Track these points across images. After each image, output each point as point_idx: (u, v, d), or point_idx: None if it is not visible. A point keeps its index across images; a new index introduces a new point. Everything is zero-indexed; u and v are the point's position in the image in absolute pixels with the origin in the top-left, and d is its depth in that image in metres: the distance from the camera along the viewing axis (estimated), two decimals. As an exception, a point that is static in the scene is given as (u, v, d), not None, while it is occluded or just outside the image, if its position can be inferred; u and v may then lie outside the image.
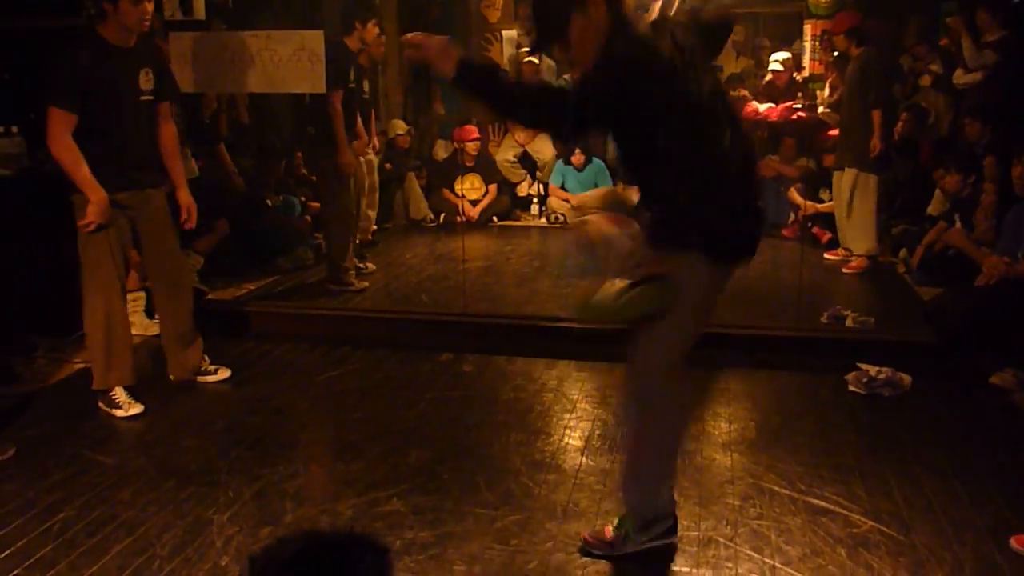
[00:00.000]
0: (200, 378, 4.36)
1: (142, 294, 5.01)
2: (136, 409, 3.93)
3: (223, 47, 5.14)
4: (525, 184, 8.31)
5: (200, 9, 5.24)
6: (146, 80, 3.89)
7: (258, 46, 5.08)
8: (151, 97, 3.94)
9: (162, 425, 3.86)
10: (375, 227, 6.96)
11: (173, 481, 3.30)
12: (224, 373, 4.41)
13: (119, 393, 3.94)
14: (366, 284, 5.77)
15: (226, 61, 5.11)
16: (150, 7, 3.75)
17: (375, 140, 6.63)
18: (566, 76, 8.30)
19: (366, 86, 6.10)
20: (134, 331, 4.92)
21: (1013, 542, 2.81)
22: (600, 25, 2.46)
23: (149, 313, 5.03)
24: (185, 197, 4.11)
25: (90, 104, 3.69)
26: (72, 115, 3.64)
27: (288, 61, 5.05)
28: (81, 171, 3.67)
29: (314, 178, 6.81)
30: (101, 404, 3.95)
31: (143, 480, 3.32)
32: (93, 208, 3.71)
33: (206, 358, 4.40)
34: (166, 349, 4.32)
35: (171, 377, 4.33)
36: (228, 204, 6.06)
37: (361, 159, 5.95)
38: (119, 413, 3.91)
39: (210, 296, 5.44)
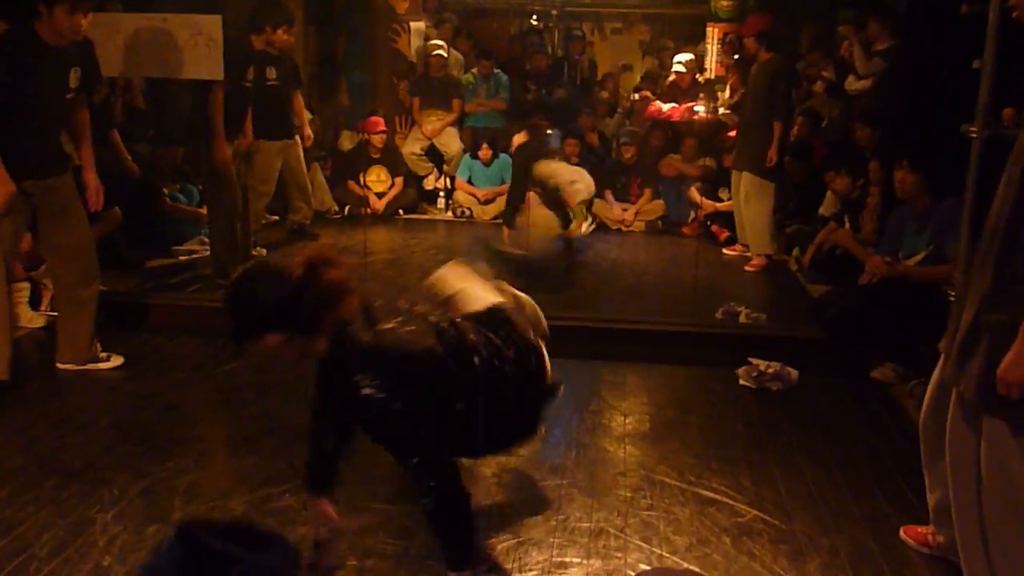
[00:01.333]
0: (91, 365, 4.22)
1: (27, 285, 4.80)
2: None
3: (116, 29, 4.96)
4: (432, 177, 8.28)
5: (92, -11, 5.05)
6: (75, 79, 3.93)
7: (153, 29, 4.92)
8: (75, 94, 3.98)
9: (45, 421, 3.71)
10: (307, 221, 6.88)
11: (55, 479, 3.18)
12: (117, 360, 4.30)
13: None
14: None
15: (119, 44, 4.93)
16: (85, 21, 3.77)
17: (306, 129, 6.57)
18: (474, 70, 8.35)
19: (271, 73, 5.99)
20: (18, 323, 4.75)
21: (902, 532, 2.92)
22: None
23: (33, 304, 4.83)
24: (92, 178, 4.13)
25: (15, 98, 3.67)
26: None
27: (185, 45, 4.91)
28: None
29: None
30: None
31: (22, 478, 3.19)
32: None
33: (97, 344, 4.27)
34: (61, 335, 4.17)
35: (59, 365, 4.18)
36: (121, 192, 5.85)
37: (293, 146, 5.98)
38: None
39: (102, 287, 5.25)
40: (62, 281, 4.20)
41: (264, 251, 6.24)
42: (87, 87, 4.10)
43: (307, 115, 6.97)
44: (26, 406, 3.85)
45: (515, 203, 6.45)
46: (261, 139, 6.02)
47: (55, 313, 4.64)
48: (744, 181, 6.38)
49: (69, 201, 4.04)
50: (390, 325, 2.45)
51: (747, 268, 6.39)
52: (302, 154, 6.64)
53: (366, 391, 2.32)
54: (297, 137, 6.57)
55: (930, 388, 2.68)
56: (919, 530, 2.89)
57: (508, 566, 2.73)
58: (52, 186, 3.95)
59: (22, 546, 2.75)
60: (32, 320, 4.78)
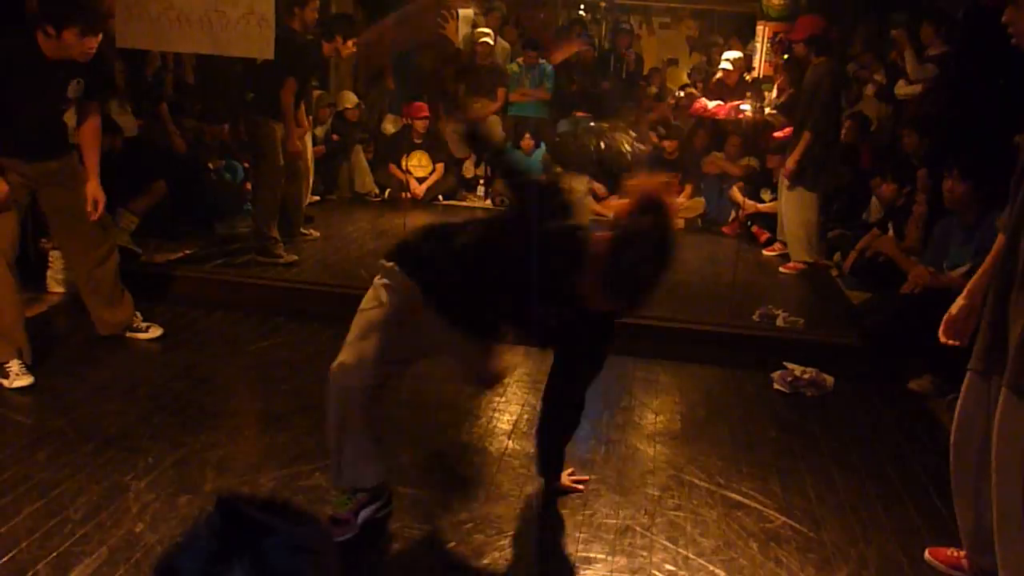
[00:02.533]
0: (130, 334, 4.29)
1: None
2: (23, 381, 3.72)
3: (169, 5, 5.00)
4: (470, 164, 8.29)
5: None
6: (75, 89, 3.81)
7: (206, 6, 4.95)
8: (74, 103, 3.88)
9: (85, 387, 3.78)
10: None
11: (92, 444, 3.24)
12: (156, 331, 4.36)
13: (13, 363, 3.75)
14: (295, 257, 5.68)
15: (172, 19, 4.98)
16: (95, 43, 3.64)
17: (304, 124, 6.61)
18: (519, 60, 8.33)
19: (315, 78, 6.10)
20: (62, 289, 4.84)
21: (928, 555, 2.84)
22: None
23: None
24: (93, 188, 3.95)
25: (6, 104, 3.62)
26: None
27: (236, 24, 4.94)
28: None
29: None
30: None
31: (61, 442, 3.25)
32: None
33: (138, 315, 4.33)
34: (89, 308, 4.23)
35: (99, 331, 4.25)
36: (167, 165, 5.94)
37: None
38: (4, 383, 3.71)
39: (143, 258, 5.33)
40: (73, 259, 4.20)
41: (316, 233, 6.29)
42: (95, 95, 3.97)
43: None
44: (66, 371, 3.92)
45: None
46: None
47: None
48: (786, 187, 6.30)
49: (72, 179, 3.96)
50: None
51: (782, 269, 6.32)
52: (310, 141, 6.65)
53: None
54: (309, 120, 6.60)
55: (959, 408, 2.63)
56: (948, 552, 2.81)
57: (532, 558, 2.74)
58: (48, 168, 3.86)
59: (57, 508, 2.80)
60: (69, 285, 4.86)
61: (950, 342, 2.69)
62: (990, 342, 2.49)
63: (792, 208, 6.24)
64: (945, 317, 2.71)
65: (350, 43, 5.89)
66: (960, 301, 2.68)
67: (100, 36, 3.67)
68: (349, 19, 6.34)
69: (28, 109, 3.71)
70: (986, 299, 2.56)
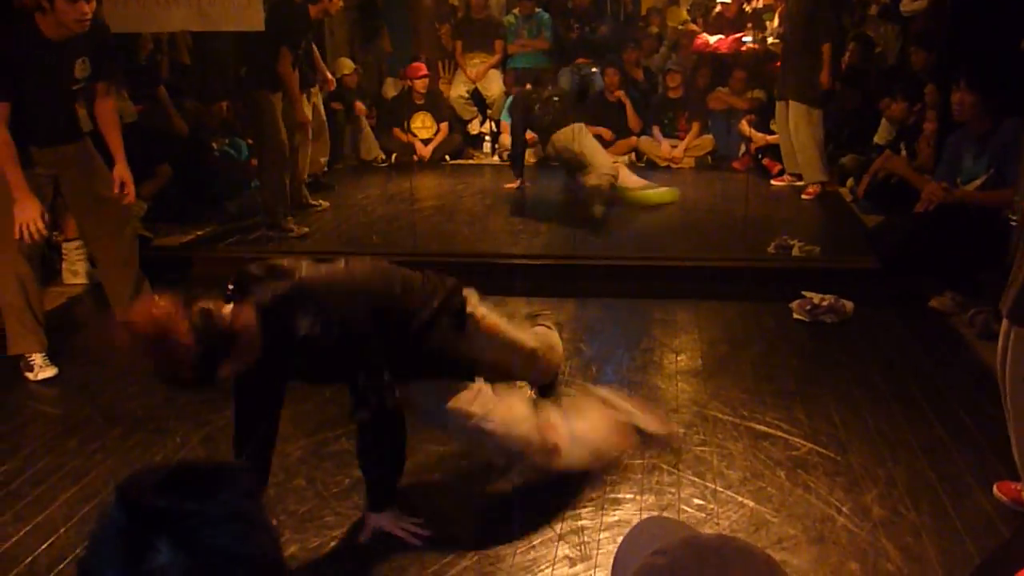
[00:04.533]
0: None
1: (81, 242, 4.91)
2: (48, 373, 3.77)
3: (156, -16, 4.97)
4: (476, 122, 8.23)
5: (131, -54, 5.05)
6: (82, 68, 3.77)
7: (193, -18, 4.92)
8: (84, 83, 3.84)
9: (108, 373, 3.82)
10: (326, 169, 6.90)
11: (120, 429, 3.29)
12: None
13: (36, 356, 3.80)
14: (306, 229, 5.67)
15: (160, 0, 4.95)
16: (88, 8, 3.58)
17: (327, 73, 6.52)
18: (515, 11, 8.22)
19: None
20: (78, 280, 4.88)
21: (996, 490, 2.74)
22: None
23: (93, 261, 4.94)
24: (121, 170, 3.93)
25: (17, 91, 3.58)
26: (5, 104, 3.52)
27: (224, -2, 4.90)
28: (14, 172, 3.55)
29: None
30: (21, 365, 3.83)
31: (89, 429, 3.30)
32: (20, 210, 3.57)
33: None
34: (110, 296, 4.25)
35: (119, 318, 4.28)
36: (170, 148, 5.94)
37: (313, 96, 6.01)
38: (30, 376, 3.76)
39: (155, 242, 5.36)
40: (97, 243, 4.19)
41: (325, 203, 6.29)
42: (104, 75, 3.91)
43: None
44: (89, 360, 3.96)
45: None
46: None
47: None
48: (791, 110, 6.21)
49: (89, 165, 3.95)
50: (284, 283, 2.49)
51: (803, 196, 6.26)
52: (321, 103, 6.59)
53: (303, 332, 2.40)
54: (316, 88, 6.53)
55: (1000, 346, 2.57)
56: (1014, 486, 2.70)
57: (561, 503, 2.76)
58: (65, 153, 3.85)
59: (92, 493, 2.86)
60: (91, 276, 4.90)
61: None
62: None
63: (801, 129, 6.16)
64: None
65: (337, 0, 5.81)
66: None
67: (92, 3, 3.61)
68: None
69: (40, 94, 3.70)
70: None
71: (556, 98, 6.24)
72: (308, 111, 6.05)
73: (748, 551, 0.89)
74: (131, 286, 4.21)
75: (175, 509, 0.86)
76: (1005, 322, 2.52)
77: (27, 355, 3.78)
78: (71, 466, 3.03)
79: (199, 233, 5.66)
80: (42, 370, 3.77)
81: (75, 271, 4.89)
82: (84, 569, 0.87)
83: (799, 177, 6.43)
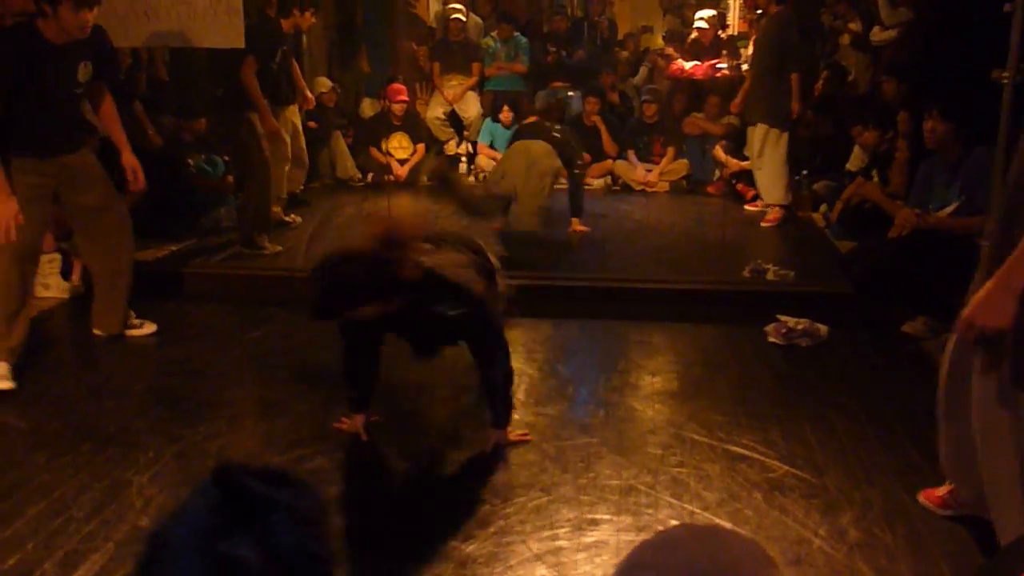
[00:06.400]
0: (128, 332, 4.29)
1: (57, 255, 4.86)
2: (5, 386, 3.67)
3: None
4: (453, 143, 8.25)
5: (109, -40, 5.03)
6: (84, 72, 3.83)
7: (172, -1, 4.90)
8: (86, 87, 3.89)
9: (80, 387, 3.77)
10: (302, 186, 6.87)
11: (90, 443, 3.23)
12: (150, 327, 4.36)
13: (2, 367, 3.72)
14: (279, 248, 5.63)
15: (139, 14, 4.93)
16: (91, 16, 3.66)
17: (307, 92, 6.49)
18: (493, 34, 8.28)
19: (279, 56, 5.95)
20: (49, 293, 4.82)
21: (921, 497, 2.83)
22: None
23: (65, 275, 4.89)
24: (128, 158, 4.09)
25: (20, 98, 3.62)
26: None
27: (204, 15, 4.89)
28: None
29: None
30: None
31: (59, 443, 3.24)
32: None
33: (132, 312, 4.32)
34: (97, 305, 4.21)
35: (96, 332, 4.23)
36: (146, 163, 5.85)
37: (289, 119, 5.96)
38: None
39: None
40: (94, 254, 4.19)
41: (299, 218, 6.27)
42: (104, 76, 4.00)
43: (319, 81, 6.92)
44: (61, 373, 3.91)
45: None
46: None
47: (78, 285, 4.71)
48: (758, 132, 6.31)
49: (89, 174, 3.99)
50: (439, 257, 2.85)
51: (763, 224, 6.32)
52: (299, 121, 6.59)
53: (452, 313, 2.84)
54: (295, 107, 6.51)
55: (949, 350, 2.60)
56: (938, 493, 2.79)
57: (539, 523, 2.74)
58: (67, 163, 3.88)
59: (61, 507, 2.80)
60: (64, 290, 4.84)
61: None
62: None
63: (766, 151, 6.24)
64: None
65: (308, 14, 5.79)
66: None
67: (95, 10, 3.68)
68: None
69: (45, 101, 3.73)
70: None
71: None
72: (287, 127, 6.04)
73: (740, 535, 1.00)
74: (124, 297, 4.20)
75: (269, 496, 0.93)
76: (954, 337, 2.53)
77: None
78: (39, 480, 2.97)
79: (173, 248, 5.61)
80: (2, 381, 3.69)
81: (47, 284, 4.82)
82: (159, 536, 0.93)
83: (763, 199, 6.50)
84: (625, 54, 8.90)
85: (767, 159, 6.28)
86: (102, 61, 3.93)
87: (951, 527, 2.72)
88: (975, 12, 4.46)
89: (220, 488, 0.94)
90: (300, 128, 6.48)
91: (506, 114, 7.77)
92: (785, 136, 6.21)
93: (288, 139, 6.04)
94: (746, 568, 0.90)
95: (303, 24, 5.86)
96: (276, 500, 0.95)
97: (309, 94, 6.52)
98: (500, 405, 3.19)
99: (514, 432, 3.26)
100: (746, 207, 6.79)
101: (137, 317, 4.36)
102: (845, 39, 7.33)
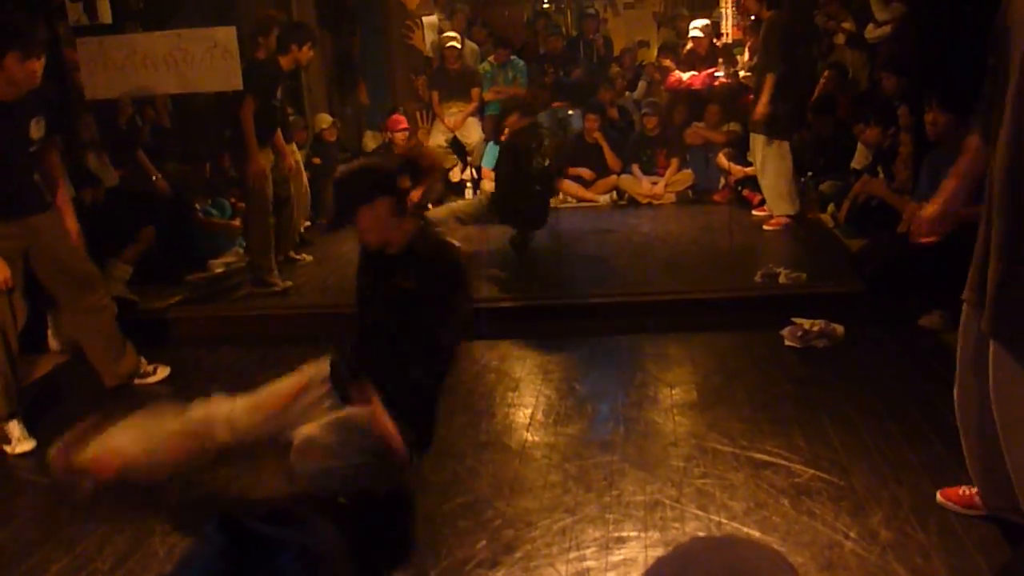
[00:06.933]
0: (139, 381, 4.29)
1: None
2: (27, 446, 3.66)
3: (133, 50, 5.01)
4: (457, 170, 8.27)
5: (106, 13, 5.10)
6: (36, 129, 3.72)
7: (169, 46, 4.96)
8: (41, 143, 3.79)
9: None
10: (308, 223, 6.89)
11: (111, 494, 3.20)
12: (163, 371, 4.37)
13: (13, 427, 3.69)
14: (290, 283, 5.63)
15: (137, 64, 4.99)
16: (39, 65, 3.57)
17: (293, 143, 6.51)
18: (490, 58, 8.31)
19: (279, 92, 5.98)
20: (60, 348, 4.83)
21: (941, 496, 2.78)
22: None
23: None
24: (71, 223, 3.96)
25: None
26: None
27: (201, 60, 4.94)
28: None
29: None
30: None
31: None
32: None
33: (143, 360, 4.33)
34: (92, 360, 4.20)
35: (107, 383, 4.23)
36: (153, 210, 5.92)
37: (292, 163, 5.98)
38: (7, 449, 3.65)
39: (141, 306, 5.32)
40: (66, 310, 4.15)
41: (309, 257, 6.29)
42: (56, 131, 3.90)
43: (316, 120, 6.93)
44: (73, 424, 3.89)
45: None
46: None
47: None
48: (758, 141, 6.30)
49: (57, 234, 3.90)
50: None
51: (766, 227, 6.30)
52: (300, 158, 6.61)
53: (407, 284, 2.83)
54: (294, 145, 6.54)
55: (959, 342, 2.58)
56: (961, 491, 2.74)
57: (565, 545, 2.71)
58: (35, 225, 3.80)
59: (84, 562, 2.79)
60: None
61: (922, 239, 2.74)
62: (979, 278, 2.43)
63: (768, 162, 6.24)
64: (919, 216, 2.74)
65: (306, 48, 5.75)
66: (933, 206, 2.71)
67: (43, 60, 3.58)
68: (300, 26, 6.19)
69: (6, 171, 3.65)
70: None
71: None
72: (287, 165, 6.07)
73: (757, 543, 0.98)
74: (111, 352, 4.16)
75: (275, 537, 0.92)
76: (966, 315, 2.53)
77: (2, 423, 3.68)
78: (62, 535, 2.96)
79: (185, 294, 5.63)
80: (19, 443, 3.67)
81: (59, 338, 4.84)
82: None
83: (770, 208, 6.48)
84: (617, 69, 8.93)
85: (771, 171, 6.27)
86: (54, 113, 3.82)
87: (985, 521, 2.67)
88: (968, 1, 4.44)
89: (225, 533, 0.93)
90: (302, 168, 6.52)
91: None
92: (786, 145, 6.19)
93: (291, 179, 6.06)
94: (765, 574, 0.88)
95: (302, 59, 5.86)
96: (283, 540, 0.93)
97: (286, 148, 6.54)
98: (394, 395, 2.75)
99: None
100: (754, 212, 6.77)
101: (151, 363, 4.36)
102: (840, 39, 7.31)
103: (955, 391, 2.63)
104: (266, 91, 5.48)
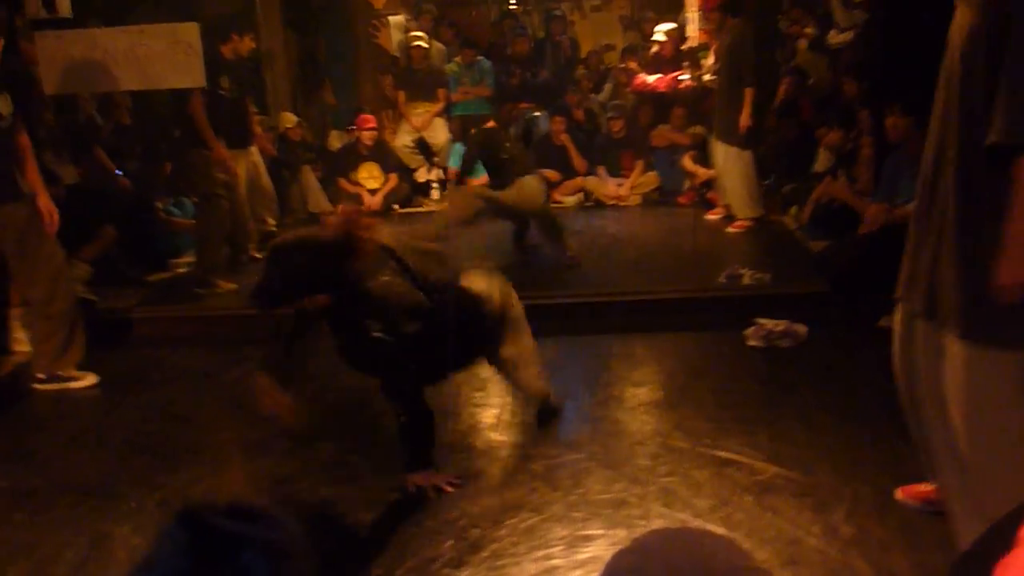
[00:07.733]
0: (61, 385, 4.19)
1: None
2: None
3: (94, 45, 4.93)
4: (423, 170, 8.24)
5: (65, 7, 5.01)
6: (4, 105, 3.71)
7: (131, 41, 4.88)
8: (8, 121, 3.77)
9: (58, 441, 3.70)
10: (275, 227, 6.82)
11: (70, 497, 3.16)
12: (90, 379, 4.26)
13: None
14: (233, 286, 5.52)
15: (97, 59, 4.90)
16: None
17: (263, 141, 6.46)
18: (457, 59, 8.30)
19: (224, 82, 5.88)
20: (21, 348, 4.73)
21: (901, 494, 2.81)
22: None
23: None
24: (44, 202, 3.94)
25: None
26: None
27: (163, 55, 4.88)
28: None
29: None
30: None
31: (38, 500, 3.17)
32: None
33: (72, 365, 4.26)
34: (34, 347, 4.13)
35: (36, 377, 4.16)
36: (113, 209, 5.83)
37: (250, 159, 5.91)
38: None
39: (101, 306, 5.23)
40: (32, 299, 4.12)
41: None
42: (23, 111, 3.89)
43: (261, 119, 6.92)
44: (37, 427, 3.84)
45: None
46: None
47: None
48: (719, 147, 6.35)
49: (27, 225, 3.90)
50: (386, 278, 2.93)
51: (729, 230, 6.35)
52: (260, 160, 6.55)
53: (375, 334, 2.88)
54: (254, 147, 6.47)
55: (896, 342, 2.58)
56: (920, 489, 2.77)
57: (532, 544, 2.71)
58: (7, 213, 3.80)
59: (43, 566, 2.74)
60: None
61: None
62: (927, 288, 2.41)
63: (732, 166, 6.29)
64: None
65: (247, 39, 5.73)
66: None
67: (2, 40, 3.57)
68: (236, 16, 6.19)
69: None
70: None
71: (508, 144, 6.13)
72: (249, 168, 6.01)
73: (712, 532, 1.01)
74: (58, 343, 4.10)
75: (238, 533, 0.91)
76: (900, 318, 2.51)
77: None
78: (20, 539, 2.90)
79: (145, 293, 5.55)
80: None
81: (17, 338, 4.74)
82: None
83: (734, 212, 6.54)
84: (582, 70, 8.95)
85: (733, 177, 6.32)
86: (22, 93, 3.85)
87: (943, 517, 2.70)
88: (926, 7, 4.51)
89: (187, 531, 0.90)
90: (263, 167, 6.46)
91: (474, 137, 7.78)
92: (748, 154, 6.23)
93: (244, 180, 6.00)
94: (721, 560, 0.91)
95: (242, 49, 5.78)
96: (247, 536, 0.91)
97: (267, 144, 6.47)
98: (408, 447, 3.06)
99: (439, 477, 3.06)
100: (707, 215, 6.79)
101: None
102: (802, 44, 7.41)
103: (902, 395, 2.62)
104: (212, 83, 5.36)
